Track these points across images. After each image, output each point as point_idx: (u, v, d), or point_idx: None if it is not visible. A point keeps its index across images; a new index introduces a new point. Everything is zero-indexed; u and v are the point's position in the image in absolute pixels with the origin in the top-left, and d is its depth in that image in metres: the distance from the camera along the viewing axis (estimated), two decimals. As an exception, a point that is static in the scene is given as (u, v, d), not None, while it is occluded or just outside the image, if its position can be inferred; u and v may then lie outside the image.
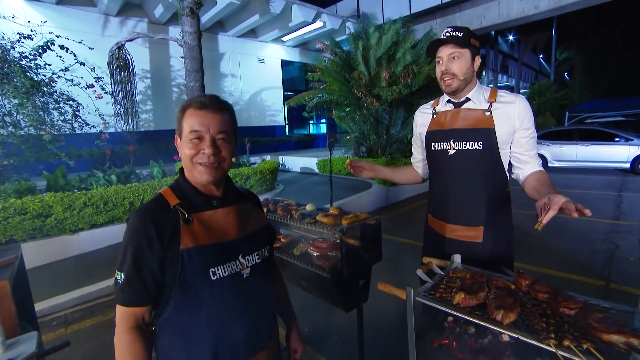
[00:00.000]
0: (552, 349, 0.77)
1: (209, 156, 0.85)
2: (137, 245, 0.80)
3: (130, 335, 0.81)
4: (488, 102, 1.31)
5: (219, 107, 0.88)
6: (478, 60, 1.32)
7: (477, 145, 1.29)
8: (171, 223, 0.83)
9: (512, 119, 1.28)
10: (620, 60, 22.65)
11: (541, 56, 36.26)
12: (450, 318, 1.23)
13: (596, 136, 8.89)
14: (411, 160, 1.70)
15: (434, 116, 1.43)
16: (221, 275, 0.86)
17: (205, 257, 0.84)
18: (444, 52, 1.29)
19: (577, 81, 23.28)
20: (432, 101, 1.48)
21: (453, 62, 1.27)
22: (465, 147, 1.31)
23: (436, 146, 1.40)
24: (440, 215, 1.44)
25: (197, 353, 0.85)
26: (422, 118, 1.49)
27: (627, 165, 8.41)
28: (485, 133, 1.29)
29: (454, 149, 1.34)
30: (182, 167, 0.93)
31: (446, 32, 1.30)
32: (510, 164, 1.39)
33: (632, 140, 8.41)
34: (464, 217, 1.36)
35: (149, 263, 0.80)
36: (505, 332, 0.89)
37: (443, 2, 11.73)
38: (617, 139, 8.61)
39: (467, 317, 0.97)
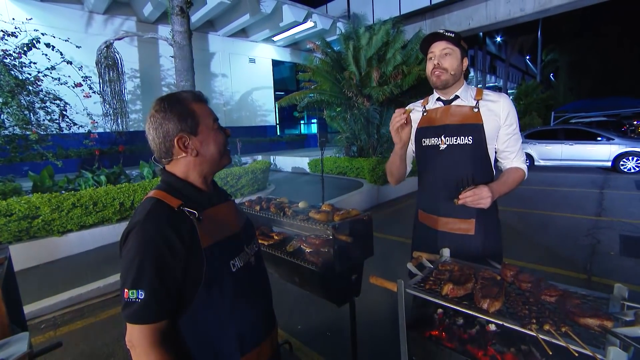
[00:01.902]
0: (534, 333, 0.82)
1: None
2: (158, 254, 0.75)
3: (158, 352, 0.75)
4: (475, 99, 1.38)
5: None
6: (466, 62, 1.39)
7: (467, 140, 1.35)
8: (185, 224, 0.80)
9: (497, 115, 1.35)
10: (602, 62, 23.36)
11: (527, 57, 37.03)
12: (440, 310, 1.27)
13: (580, 136, 9.16)
14: None
15: (424, 113, 1.47)
16: (239, 266, 0.89)
17: (225, 251, 0.87)
18: (437, 48, 1.35)
19: (561, 82, 23.93)
20: (422, 100, 1.53)
21: (445, 57, 1.34)
22: (456, 141, 1.37)
23: (427, 142, 1.44)
24: (431, 209, 1.47)
25: (225, 345, 0.87)
26: (413, 115, 1.52)
27: (609, 163, 8.69)
28: (475, 128, 1.35)
29: (445, 143, 1.39)
30: (164, 168, 0.90)
31: (438, 30, 1.38)
32: (496, 160, 1.45)
33: (613, 139, 8.69)
34: (456, 209, 1.39)
35: (171, 270, 0.76)
36: (491, 319, 0.93)
37: (432, 3, 11.89)
38: (599, 139, 8.88)
39: (455, 307, 1.01)
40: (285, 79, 15.05)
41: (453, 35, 1.35)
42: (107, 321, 2.72)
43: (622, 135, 9.75)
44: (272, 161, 10.20)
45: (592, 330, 0.79)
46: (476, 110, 1.35)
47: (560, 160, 9.31)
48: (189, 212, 0.82)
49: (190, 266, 0.79)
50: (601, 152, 8.76)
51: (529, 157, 9.63)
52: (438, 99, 1.44)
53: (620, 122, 13.84)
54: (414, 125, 1.50)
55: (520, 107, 20.95)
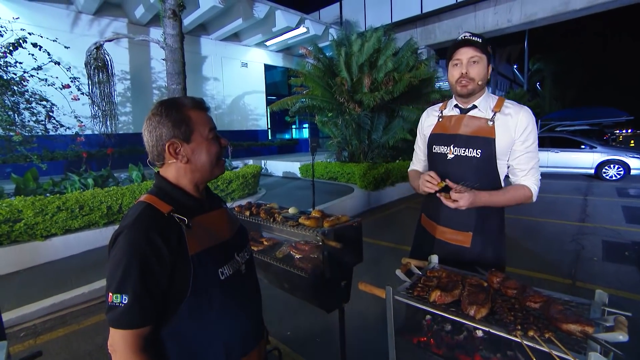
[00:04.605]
0: (518, 340, 0.83)
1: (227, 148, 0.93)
2: (143, 259, 0.75)
3: (139, 357, 0.75)
4: (493, 111, 1.31)
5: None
6: (490, 69, 1.33)
7: (475, 153, 1.30)
8: (173, 230, 0.80)
9: (511, 130, 1.28)
10: (586, 72, 24.24)
11: (515, 67, 38.01)
12: (428, 316, 1.28)
13: (565, 143, 9.43)
14: (413, 162, 1.67)
15: (440, 119, 1.44)
16: (228, 274, 0.88)
17: (213, 259, 0.86)
18: (465, 55, 1.27)
19: (547, 91, 24.65)
20: (441, 104, 1.49)
21: (472, 65, 1.27)
22: (463, 153, 1.33)
23: (437, 149, 1.41)
24: (432, 215, 1.47)
25: (211, 354, 0.86)
26: (429, 120, 1.49)
27: (592, 171, 8.95)
28: (485, 142, 1.29)
29: (453, 153, 1.35)
30: (158, 172, 0.90)
31: (464, 35, 1.29)
32: (507, 176, 1.39)
33: (596, 147, 8.97)
34: (455, 221, 1.38)
35: (156, 276, 0.76)
36: (477, 326, 0.94)
37: (423, 12, 12.14)
38: (583, 147, 9.16)
39: (443, 314, 1.03)
40: (278, 83, 15.08)
41: (480, 40, 1.26)
42: (90, 329, 2.65)
43: (604, 143, 10.06)
44: (263, 166, 10.16)
45: (574, 335, 0.81)
46: (491, 123, 1.29)
47: (546, 167, 9.54)
48: (178, 219, 0.82)
49: (177, 273, 0.79)
50: (585, 160, 9.02)
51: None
52: (456, 106, 1.39)
53: (602, 130, 14.32)
54: (428, 130, 1.48)
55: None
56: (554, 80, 24.59)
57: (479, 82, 1.28)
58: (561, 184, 8.52)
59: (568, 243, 4.24)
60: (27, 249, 3.66)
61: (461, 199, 1.21)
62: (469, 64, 1.27)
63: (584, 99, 23.10)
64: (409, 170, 1.69)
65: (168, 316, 0.80)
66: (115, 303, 0.74)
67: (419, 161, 1.63)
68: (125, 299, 0.73)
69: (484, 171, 1.32)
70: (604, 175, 8.80)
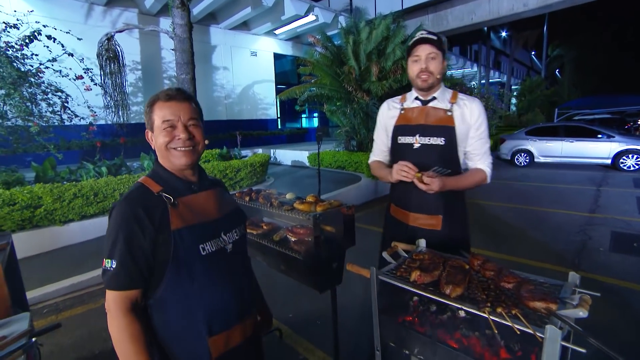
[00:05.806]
0: (486, 315, 0.89)
1: (184, 141, 0.93)
2: (128, 230, 0.85)
3: (127, 318, 0.85)
4: (450, 102, 1.45)
5: (186, 97, 0.98)
6: (445, 64, 1.46)
7: (439, 141, 1.43)
8: (159, 207, 0.90)
9: (467, 118, 1.44)
10: (608, 58, 23.08)
11: (533, 53, 36.60)
12: (415, 297, 1.35)
13: (580, 133, 9.12)
14: (375, 153, 1.72)
15: (402, 111, 1.54)
16: (210, 251, 0.96)
17: (195, 235, 0.94)
18: (423, 51, 1.40)
19: (566, 78, 23.68)
20: (400, 97, 1.59)
21: (431, 61, 1.40)
22: (429, 141, 1.44)
23: (402, 139, 1.51)
24: (403, 204, 1.55)
25: (193, 324, 0.94)
26: (391, 112, 1.59)
27: (609, 161, 8.67)
28: (447, 130, 1.42)
29: (419, 142, 1.46)
30: (156, 158, 1.01)
31: (422, 34, 1.44)
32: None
33: (614, 137, 8.66)
34: (426, 206, 1.48)
35: (141, 246, 0.86)
36: (450, 303, 1.00)
37: (435, -3, 11.80)
38: (599, 136, 8.86)
39: (421, 292, 1.09)
40: (287, 72, 15.02)
41: (436, 38, 1.40)
42: (106, 307, 2.83)
43: (623, 132, 9.70)
44: (272, 154, 10.27)
45: (540, 312, 0.86)
46: (450, 113, 1.43)
47: (560, 157, 9.30)
48: (165, 197, 0.92)
49: (159, 245, 0.89)
50: (601, 150, 8.74)
51: (528, 153, 9.63)
52: (416, 98, 1.50)
53: (623, 119, 13.75)
54: (391, 122, 1.56)
55: (524, 104, 20.80)
56: (575, 67, 23.57)
57: (437, 76, 1.42)
58: (575, 174, 8.31)
59: (575, 234, 4.19)
60: (47, 234, 3.88)
61: (433, 183, 1.31)
62: (427, 59, 1.39)
63: (606, 87, 22.10)
64: (369, 161, 1.75)
65: (154, 285, 0.90)
66: (107, 267, 0.86)
67: (380, 152, 1.70)
68: (113, 263, 0.85)
69: (447, 158, 1.45)
70: (621, 165, 8.52)
